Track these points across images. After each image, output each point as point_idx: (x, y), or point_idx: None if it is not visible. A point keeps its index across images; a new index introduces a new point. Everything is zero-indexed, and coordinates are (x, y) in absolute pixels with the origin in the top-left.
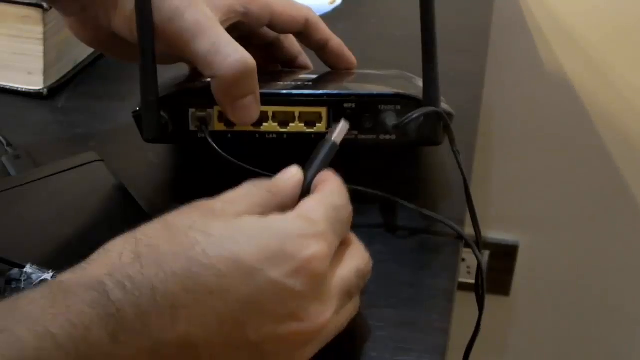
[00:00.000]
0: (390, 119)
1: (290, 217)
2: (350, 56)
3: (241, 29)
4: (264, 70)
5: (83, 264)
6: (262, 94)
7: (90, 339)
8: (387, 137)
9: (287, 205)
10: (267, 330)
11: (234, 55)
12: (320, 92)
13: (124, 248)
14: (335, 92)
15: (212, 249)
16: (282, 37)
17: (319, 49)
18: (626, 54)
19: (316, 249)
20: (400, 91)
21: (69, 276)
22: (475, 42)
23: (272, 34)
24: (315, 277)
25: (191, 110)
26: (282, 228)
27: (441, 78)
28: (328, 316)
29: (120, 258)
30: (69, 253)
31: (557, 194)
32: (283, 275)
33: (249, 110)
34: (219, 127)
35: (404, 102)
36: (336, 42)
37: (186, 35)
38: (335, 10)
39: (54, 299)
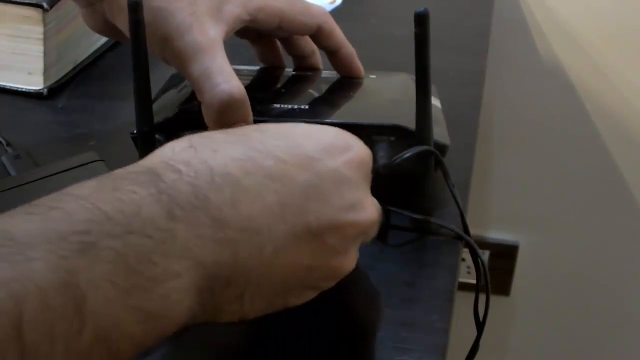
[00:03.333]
0: (383, 151)
1: None
2: (357, 67)
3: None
4: (266, 76)
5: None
6: (255, 121)
7: (143, 215)
8: (380, 168)
9: None
10: (328, 219)
11: (222, 84)
12: (314, 120)
13: (175, 143)
14: (330, 120)
15: (269, 140)
16: (297, 35)
17: (329, 54)
18: (627, 53)
19: (362, 146)
20: (395, 122)
21: (119, 170)
22: (475, 42)
23: (283, 32)
24: (366, 171)
25: (187, 133)
26: (328, 128)
27: (441, 78)
28: (376, 214)
29: (173, 150)
30: None
31: (558, 194)
32: (340, 164)
33: None
34: None
35: (398, 133)
36: (347, 51)
37: (184, 57)
38: (335, 10)
39: (102, 184)
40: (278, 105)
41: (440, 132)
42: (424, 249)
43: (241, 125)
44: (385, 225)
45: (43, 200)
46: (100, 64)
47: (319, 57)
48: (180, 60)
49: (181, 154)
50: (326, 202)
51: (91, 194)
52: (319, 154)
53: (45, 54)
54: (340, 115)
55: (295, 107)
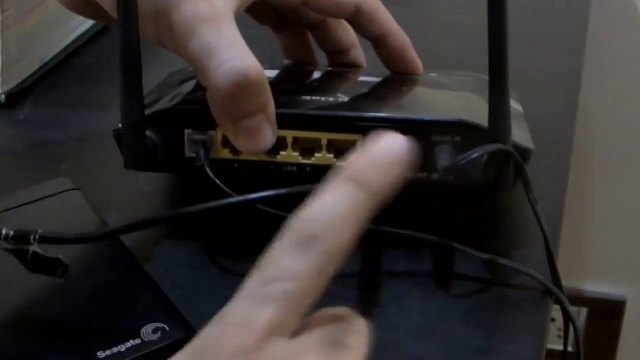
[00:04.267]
0: (445, 155)
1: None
2: (412, 60)
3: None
4: (291, 71)
5: None
6: (278, 114)
7: None
8: (439, 175)
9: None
10: None
11: (232, 61)
12: (355, 114)
13: None
14: (374, 114)
15: None
16: (332, 21)
17: (375, 43)
18: None
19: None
20: (461, 118)
21: None
22: (571, 35)
23: (316, 15)
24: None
25: (187, 132)
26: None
27: (527, 80)
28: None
29: None
30: (37, 310)
31: None
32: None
33: (256, 134)
34: (223, 154)
35: (465, 131)
36: (397, 39)
37: (182, 31)
38: None
39: None
40: (308, 97)
41: (520, 134)
42: (500, 304)
43: (258, 116)
44: (448, 271)
45: None
46: (74, 63)
47: (360, 53)
48: (177, 37)
49: None
50: None
51: None
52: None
53: (3, 48)
54: (388, 109)
55: (331, 99)
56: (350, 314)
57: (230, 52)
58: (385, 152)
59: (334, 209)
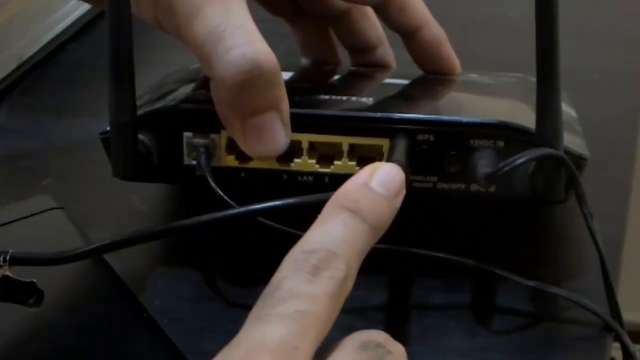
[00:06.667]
0: (486, 162)
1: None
2: (448, 57)
3: None
4: (308, 71)
5: None
6: (292, 114)
7: None
8: (481, 189)
9: None
10: None
11: (242, 47)
12: (381, 114)
13: None
14: (404, 115)
15: None
16: (357, 12)
17: (405, 37)
18: None
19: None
20: (505, 120)
21: None
22: (636, 32)
23: (338, 4)
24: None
25: (186, 135)
26: None
27: (580, 82)
28: None
29: None
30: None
31: None
32: None
33: (266, 135)
34: (228, 161)
35: (509, 135)
36: (431, 32)
37: (184, 10)
38: None
39: None
40: (327, 97)
41: (574, 140)
42: (551, 342)
43: (270, 114)
44: (489, 303)
45: None
46: (58, 62)
47: (388, 51)
48: (179, 17)
49: None
50: None
51: None
52: None
53: None
54: (420, 110)
55: (353, 98)
56: (386, 339)
57: (241, 36)
58: (380, 184)
59: (334, 237)
